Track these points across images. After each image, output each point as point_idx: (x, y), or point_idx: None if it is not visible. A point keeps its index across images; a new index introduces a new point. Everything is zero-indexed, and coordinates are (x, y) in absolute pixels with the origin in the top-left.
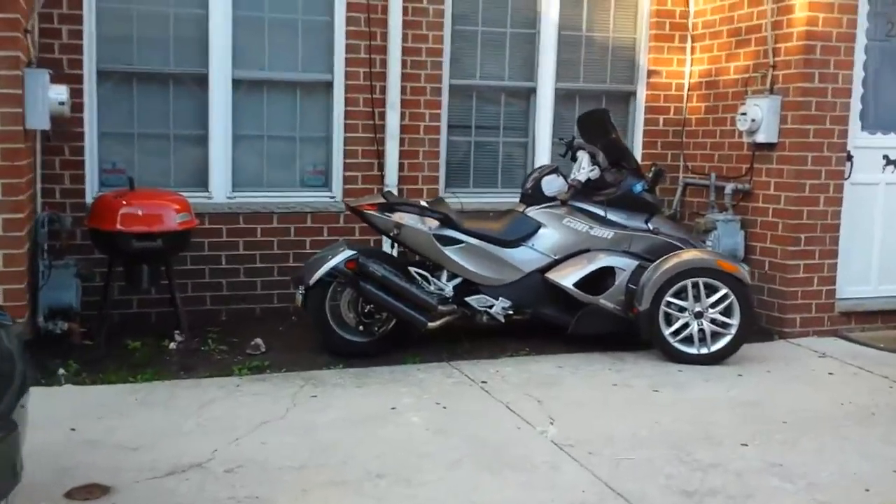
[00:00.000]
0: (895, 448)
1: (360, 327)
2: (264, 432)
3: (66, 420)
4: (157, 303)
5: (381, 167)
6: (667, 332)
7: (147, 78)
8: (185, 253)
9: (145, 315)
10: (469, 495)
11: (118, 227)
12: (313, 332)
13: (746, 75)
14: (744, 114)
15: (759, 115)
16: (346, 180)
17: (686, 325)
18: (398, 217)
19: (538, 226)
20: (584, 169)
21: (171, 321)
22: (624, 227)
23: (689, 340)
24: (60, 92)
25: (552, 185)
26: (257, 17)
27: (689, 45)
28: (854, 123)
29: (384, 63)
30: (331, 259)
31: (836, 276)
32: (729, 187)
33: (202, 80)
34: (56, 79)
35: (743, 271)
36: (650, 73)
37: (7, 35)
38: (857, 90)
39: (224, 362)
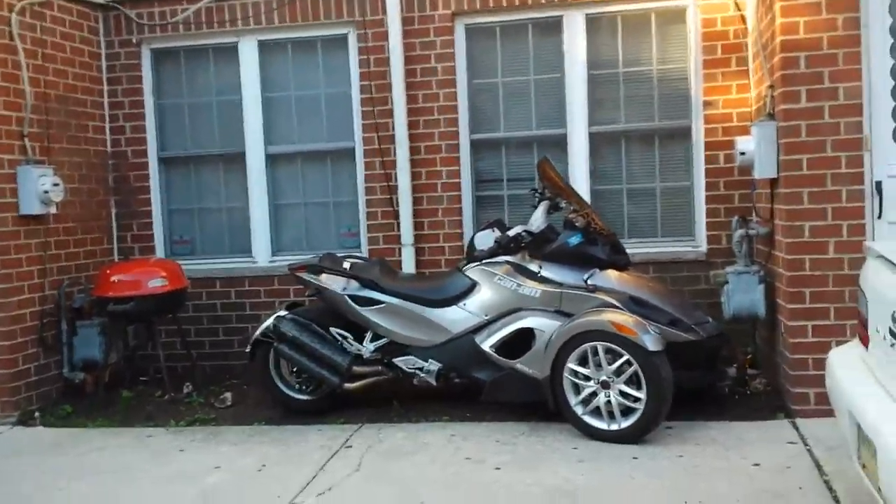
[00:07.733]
0: None
1: (296, 385)
2: (57, 478)
3: None
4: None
5: (399, 227)
6: (573, 401)
7: (199, 160)
8: (212, 313)
9: (183, 368)
10: None
11: (101, 293)
12: None
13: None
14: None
15: (750, 147)
16: (370, 241)
17: (595, 396)
18: (322, 279)
19: (473, 284)
20: (534, 221)
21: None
22: (558, 285)
23: (600, 414)
24: (45, 183)
25: (484, 240)
26: (285, 97)
27: (751, 66)
28: (882, 146)
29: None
30: (265, 320)
31: None
32: (738, 233)
33: (242, 158)
34: (124, 167)
35: (644, 335)
36: (705, 105)
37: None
38: (885, 103)
39: (183, 413)
